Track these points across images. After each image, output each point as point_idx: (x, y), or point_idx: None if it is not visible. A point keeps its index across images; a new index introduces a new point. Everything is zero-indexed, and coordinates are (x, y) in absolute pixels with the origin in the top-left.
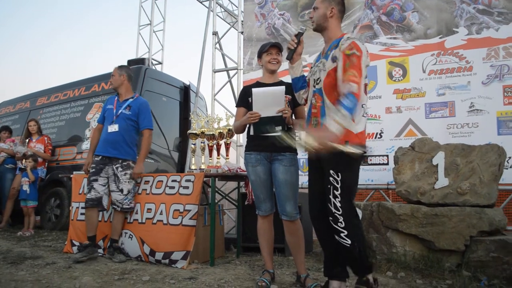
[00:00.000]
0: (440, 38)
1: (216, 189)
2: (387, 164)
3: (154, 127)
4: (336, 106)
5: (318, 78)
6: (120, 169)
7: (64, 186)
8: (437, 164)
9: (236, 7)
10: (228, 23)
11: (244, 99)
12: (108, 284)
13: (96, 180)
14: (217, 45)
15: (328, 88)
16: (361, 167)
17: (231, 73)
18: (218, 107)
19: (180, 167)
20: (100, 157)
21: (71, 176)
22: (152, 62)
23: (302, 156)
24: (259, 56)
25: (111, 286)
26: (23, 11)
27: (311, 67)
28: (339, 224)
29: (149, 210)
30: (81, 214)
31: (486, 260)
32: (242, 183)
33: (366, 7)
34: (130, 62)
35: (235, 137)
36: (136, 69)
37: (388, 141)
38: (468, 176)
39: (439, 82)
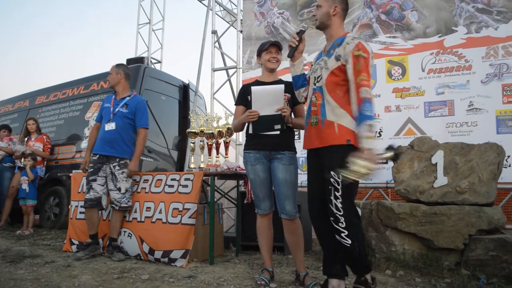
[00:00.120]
0: (439, 37)
1: (215, 188)
2: (386, 163)
3: (153, 126)
4: (363, 123)
5: (319, 76)
6: (117, 167)
7: (63, 185)
8: (436, 163)
9: (235, 6)
10: (227, 22)
11: (243, 97)
12: (107, 282)
13: (94, 180)
14: (216, 44)
15: (331, 86)
16: None
17: (230, 72)
18: (217, 106)
19: (179, 165)
20: (98, 156)
21: (70, 174)
22: (151, 61)
23: (301, 155)
24: (259, 54)
25: (110, 284)
26: (22, 11)
27: (312, 65)
28: (340, 224)
29: (148, 208)
30: (80, 212)
31: (485, 258)
32: (241, 182)
33: (365, 5)
34: (129, 61)
35: (234, 135)
36: (135, 67)
37: (387, 140)
38: (467, 175)
39: (438, 81)
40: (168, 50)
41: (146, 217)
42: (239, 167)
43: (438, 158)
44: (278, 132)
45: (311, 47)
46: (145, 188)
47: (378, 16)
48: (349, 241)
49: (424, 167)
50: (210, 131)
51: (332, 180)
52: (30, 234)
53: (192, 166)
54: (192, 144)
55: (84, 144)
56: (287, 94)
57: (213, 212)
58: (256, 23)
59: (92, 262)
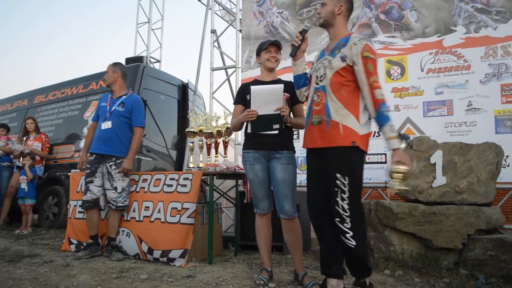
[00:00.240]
0: (438, 36)
1: (214, 187)
2: (385, 162)
3: (152, 125)
4: (386, 124)
5: (322, 75)
6: (114, 167)
7: (62, 184)
8: (435, 163)
9: (235, 5)
10: (227, 21)
11: (242, 96)
12: (106, 282)
13: (92, 181)
14: (215, 43)
15: (335, 86)
16: None
17: (229, 71)
18: (216, 105)
19: (178, 165)
20: (94, 155)
21: (69, 174)
22: (150, 60)
23: (300, 155)
24: (258, 54)
25: (109, 284)
26: (22, 11)
27: (313, 64)
28: (345, 225)
29: (147, 208)
30: (79, 212)
31: (484, 258)
32: (240, 182)
33: (364, 5)
34: (129, 60)
35: (233, 135)
36: (134, 67)
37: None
38: (465, 174)
39: (437, 80)
40: (167, 49)
41: (144, 216)
42: (238, 166)
43: (437, 158)
44: (277, 132)
45: (309, 46)
46: (144, 187)
47: (377, 15)
48: (354, 242)
49: (423, 167)
50: (209, 131)
51: (338, 182)
52: (28, 233)
53: (191, 165)
54: (191, 144)
55: (83, 143)
56: (286, 93)
57: (212, 211)
58: (255, 22)
59: (91, 261)
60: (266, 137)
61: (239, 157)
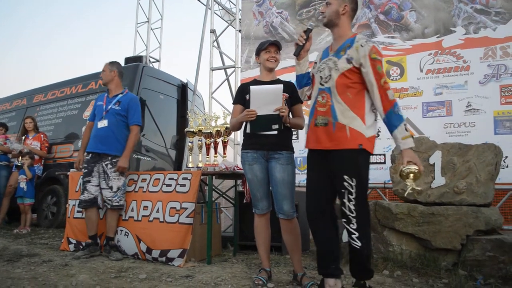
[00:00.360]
0: (437, 37)
1: (213, 187)
2: (384, 163)
3: (151, 125)
4: (401, 124)
5: (327, 76)
6: (109, 166)
7: (60, 183)
8: (434, 163)
9: (234, 5)
10: (226, 21)
11: (241, 96)
12: (105, 282)
13: (89, 181)
14: (215, 43)
15: (341, 88)
16: None
17: (229, 71)
18: (215, 105)
19: (177, 165)
20: (91, 154)
21: (68, 173)
22: (149, 60)
23: (299, 155)
24: (257, 54)
25: (108, 284)
26: (22, 11)
27: (316, 63)
28: (351, 225)
29: (145, 207)
30: (78, 211)
31: (482, 259)
32: (239, 182)
33: (364, 6)
34: (128, 59)
35: (232, 135)
36: (133, 67)
37: (385, 140)
38: (464, 175)
39: (436, 81)
40: (167, 49)
41: (143, 216)
42: (237, 166)
43: (436, 158)
44: (276, 132)
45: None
46: (142, 187)
47: (377, 16)
48: (359, 243)
49: None
50: (208, 131)
51: (346, 183)
52: (27, 233)
53: (190, 165)
54: (190, 144)
55: None
56: (285, 94)
57: (210, 211)
58: (255, 22)
59: (90, 261)
60: (265, 137)
61: (238, 157)
